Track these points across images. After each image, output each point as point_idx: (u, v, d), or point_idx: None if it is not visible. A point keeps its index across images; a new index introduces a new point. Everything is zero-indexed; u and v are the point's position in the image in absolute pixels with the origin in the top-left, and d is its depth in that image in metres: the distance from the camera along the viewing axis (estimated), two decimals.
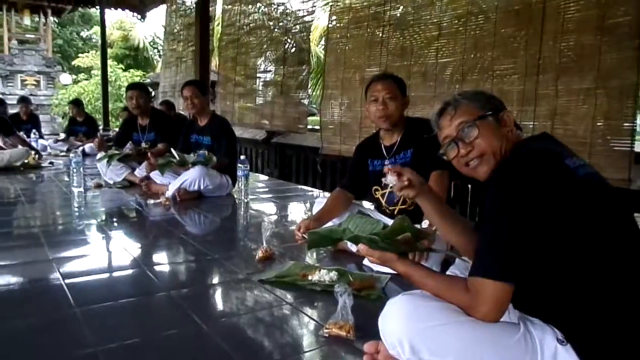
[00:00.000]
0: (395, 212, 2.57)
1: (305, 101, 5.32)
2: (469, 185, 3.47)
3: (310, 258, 2.57)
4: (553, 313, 1.23)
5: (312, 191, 5.02)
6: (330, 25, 4.63)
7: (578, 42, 2.92)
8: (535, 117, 3.09)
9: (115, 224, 3.42)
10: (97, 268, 2.41)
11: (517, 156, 1.31)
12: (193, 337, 1.67)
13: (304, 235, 2.44)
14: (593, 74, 2.85)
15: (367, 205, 2.99)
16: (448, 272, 1.73)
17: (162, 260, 2.66)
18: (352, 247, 2.53)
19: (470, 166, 1.43)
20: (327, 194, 4.72)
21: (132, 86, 4.94)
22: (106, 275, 2.34)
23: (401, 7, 3.90)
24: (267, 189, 5.06)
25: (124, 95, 14.38)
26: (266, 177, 5.93)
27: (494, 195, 1.26)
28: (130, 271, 2.37)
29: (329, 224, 2.62)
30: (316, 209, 2.78)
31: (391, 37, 3.97)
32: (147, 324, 1.78)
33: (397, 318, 1.28)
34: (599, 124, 2.82)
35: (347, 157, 4.38)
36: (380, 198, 2.64)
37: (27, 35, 16.58)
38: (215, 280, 2.35)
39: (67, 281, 2.14)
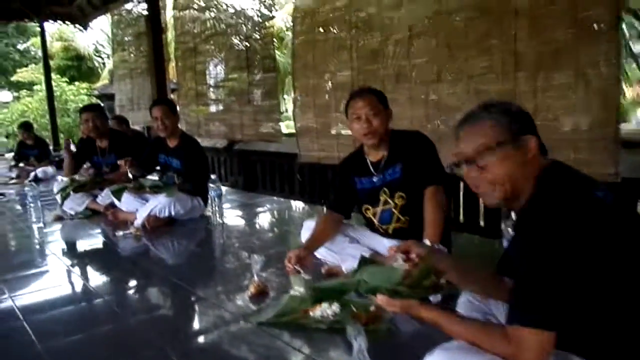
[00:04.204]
0: (390, 230, 2.46)
1: (277, 109, 5.13)
2: (462, 183, 3.38)
3: (304, 285, 2.41)
4: (597, 351, 1.17)
5: (284, 202, 4.86)
6: (294, 30, 4.45)
7: (552, 38, 2.87)
8: None
9: (83, 264, 3.14)
10: (69, 326, 2.13)
11: (548, 195, 1.22)
12: None
13: (296, 267, 2.30)
14: (572, 68, 2.80)
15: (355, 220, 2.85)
16: (461, 303, 1.64)
17: (142, 307, 2.40)
18: (348, 271, 2.42)
19: (479, 189, 1.34)
20: (300, 204, 4.66)
21: (86, 108, 4.62)
22: (79, 336, 2.02)
23: (367, 9, 3.76)
24: (237, 204, 4.86)
25: (71, 110, 13.78)
26: (231, 188, 5.68)
27: (529, 240, 1.17)
28: (106, 327, 2.11)
29: (326, 253, 2.50)
30: (304, 233, 2.64)
31: (360, 40, 3.83)
32: None
33: None
34: (582, 119, 2.78)
35: (326, 165, 4.24)
36: (372, 217, 2.52)
37: None
38: (208, 326, 2.14)
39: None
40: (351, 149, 2.82)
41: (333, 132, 4.18)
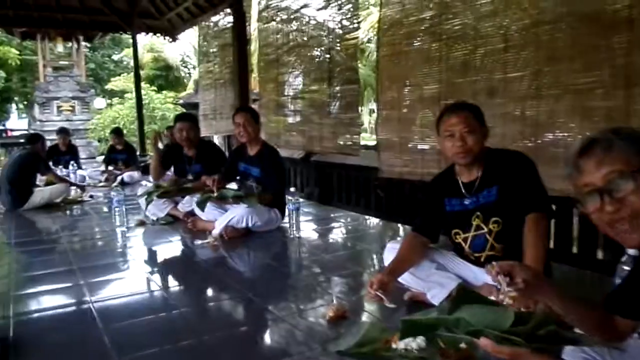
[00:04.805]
0: (482, 258, 2.25)
1: (357, 121, 5.02)
2: (553, 206, 3.08)
3: (385, 313, 2.26)
4: None
5: (360, 217, 4.71)
6: (378, 42, 4.34)
7: None
8: None
9: (163, 272, 3.17)
10: (146, 338, 2.11)
11: None
12: None
13: (378, 292, 2.14)
14: None
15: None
16: (569, 352, 1.41)
17: (218, 322, 2.34)
18: (434, 300, 2.24)
19: (615, 228, 1.12)
20: (376, 220, 4.50)
21: (182, 117, 4.66)
22: (155, 349, 1.98)
23: (458, 19, 3.57)
24: (313, 217, 4.78)
25: (157, 117, 14.45)
26: (306, 200, 5.59)
27: None
28: (182, 343, 2.04)
29: (410, 279, 2.33)
30: (387, 256, 2.48)
31: (449, 52, 3.64)
32: None
33: None
34: None
35: (404, 180, 4.08)
36: (462, 242, 2.32)
37: (61, 62, 16.84)
38: (283, 348, 2.02)
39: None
40: (436, 165, 2.64)
41: (410, 145, 4.00)
